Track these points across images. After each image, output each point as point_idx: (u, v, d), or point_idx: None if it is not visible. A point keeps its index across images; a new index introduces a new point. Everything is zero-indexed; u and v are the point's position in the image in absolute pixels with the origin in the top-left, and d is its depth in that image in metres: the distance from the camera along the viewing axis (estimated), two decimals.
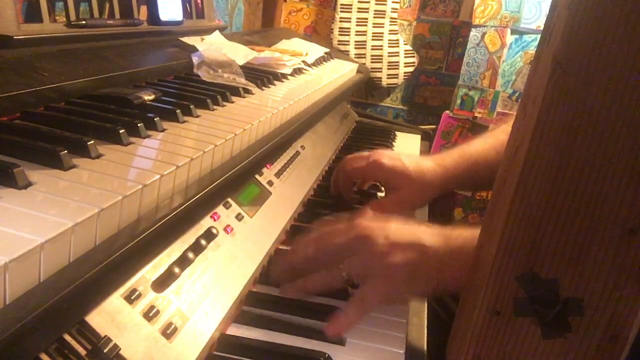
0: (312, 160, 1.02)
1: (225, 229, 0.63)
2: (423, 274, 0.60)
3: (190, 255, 0.55)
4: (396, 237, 0.61)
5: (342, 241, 0.63)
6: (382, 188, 0.98)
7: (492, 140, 0.91)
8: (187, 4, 1.14)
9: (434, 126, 2.34)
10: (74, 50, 0.74)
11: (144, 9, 0.98)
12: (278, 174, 0.84)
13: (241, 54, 1.01)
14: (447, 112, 2.32)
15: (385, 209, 0.85)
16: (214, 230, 0.61)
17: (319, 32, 2.47)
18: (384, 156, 0.88)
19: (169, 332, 0.48)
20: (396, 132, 1.49)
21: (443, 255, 0.60)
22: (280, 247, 0.74)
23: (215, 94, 0.76)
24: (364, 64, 2.24)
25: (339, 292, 0.64)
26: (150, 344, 0.45)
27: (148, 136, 0.57)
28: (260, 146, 0.71)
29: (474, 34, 2.21)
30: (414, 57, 2.41)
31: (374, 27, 2.36)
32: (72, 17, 0.78)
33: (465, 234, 0.61)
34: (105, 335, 0.41)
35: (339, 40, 2.36)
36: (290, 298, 0.62)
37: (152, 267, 0.50)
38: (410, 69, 2.42)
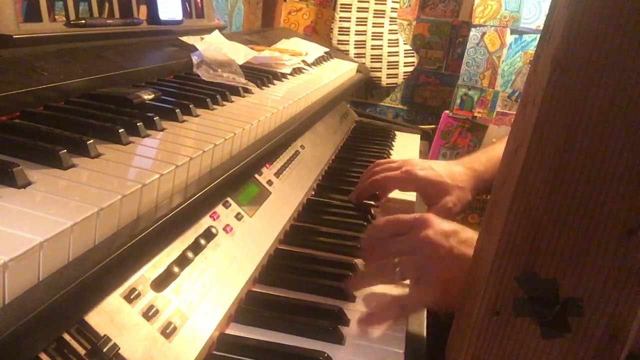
0: (312, 159, 1.02)
1: (224, 229, 0.63)
2: None
3: (190, 254, 0.55)
4: (459, 250, 0.59)
5: (404, 240, 0.62)
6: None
7: None
8: (187, 4, 1.14)
9: (433, 126, 2.34)
10: (74, 49, 0.74)
11: (143, 8, 0.98)
12: (278, 174, 0.84)
13: (241, 54, 1.01)
14: (447, 111, 2.32)
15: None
16: (214, 230, 0.61)
17: (319, 31, 2.47)
18: (416, 166, 0.89)
19: (168, 331, 0.48)
20: (396, 132, 1.49)
21: None
22: (280, 247, 0.74)
23: (215, 94, 0.76)
24: (364, 63, 2.25)
25: (339, 292, 0.64)
26: (149, 343, 0.45)
27: (147, 135, 0.57)
28: (259, 146, 0.71)
29: (473, 33, 2.21)
30: (413, 56, 2.41)
31: (373, 26, 2.36)
32: (72, 16, 0.78)
33: None
34: (105, 335, 0.41)
35: (338, 40, 2.36)
36: (290, 297, 0.62)
37: (152, 267, 0.50)
38: (410, 69, 2.42)
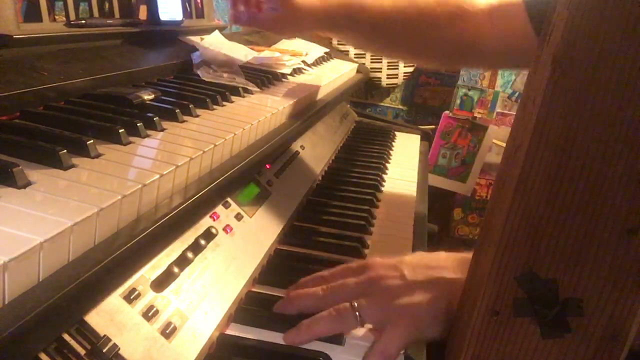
0: (312, 160, 1.02)
1: (224, 229, 0.63)
2: (447, 312, 0.54)
3: (190, 255, 0.55)
4: (414, 276, 0.56)
5: (353, 282, 0.57)
6: (385, 183, 0.98)
7: None
8: (187, 4, 1.14)
9: (433, 126, 2.34)
10: (74, 49, 0.74)
11: (143, 8, 0.98)
12: (278, 174, 0.84)
13: (241, 54, 1.01)
14: (447, 112, 2.32)
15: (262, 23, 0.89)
16: (214, 230, 0.61)
17: None
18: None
19: (168, 331, 0.47)
20: (396, 132, 1.49)
21: None
22: (280, 248, 0.74)
23: (215, 94, 0.76)
24: (364, 63, 2.24)
25: None
26: (149, 343, 0.45)
27: (147, 136, 0.57)
28: (259, 146, 0.71)
29: None
30: None
31: None
32: (72, 16, 0.78)
33: None
34: (105, 335, 0.41)
35: (338, 40, 2.36)
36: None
37: (152, 267, 0.50)
38: (410, 69, 2.42)
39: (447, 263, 0.58)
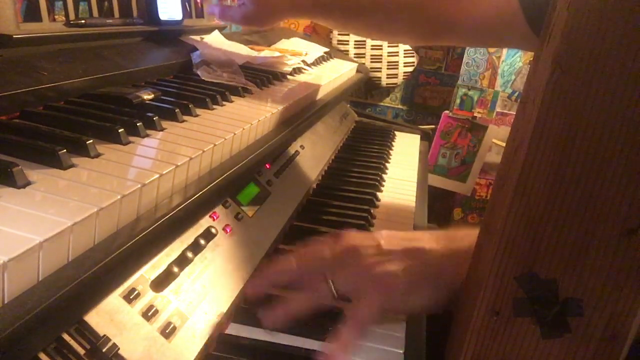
0: (312, 160, 1.02)
1: (224, 229, 0.63)
2: (421, 281, 0.53)
3: (190, 254, 0.55)
4: (390, 245, 0.55)
5: (328, 254, 0.55)
6: (384, 189, 0.98)
7: None
8: (187, 4, 1.13)
9: (433, 126, 2.34)
10: (73, 49, 0.74)
11: (143, 8, 0.98)
12: (277, 174, 0.84)
13: (241, 54, 1.01)
14: (447, 112, 2.32)
15: (234, 17, 0.90)
16: (213, 230, 0.61)
17: (319, 31, 2.47)
18: None
19: (167, 331, 0.47)
20: (395, 132, 1.49)
21: (443, 257, 0.54)
22: (280, 247, 0.74)
23: (215, 94, 0.76)
24: (364, 63, 2.24)
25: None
26: (149, 343, 0.45)
27: (147, 135, 0.57)
28: (259, 146, 0.71)
29: None
30: (413, 57, 2.41)
31: None
32: (72, 16, 0.78)
33: (468, 236, 0.53)
34: (104, 335, 0.41)
35: (338, 40, 2.36)
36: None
37: (151, 267, 0.50)
38: (410, 69, 2.42)
39: (424, 236, 0.57)
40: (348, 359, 0.51)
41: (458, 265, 0.52)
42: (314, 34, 2.45)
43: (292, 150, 0.94)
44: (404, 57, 2.40)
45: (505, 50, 2.20)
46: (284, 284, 0.55)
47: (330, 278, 0.54)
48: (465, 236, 0.54)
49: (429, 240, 0.56)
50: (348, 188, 0.98)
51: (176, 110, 0.65)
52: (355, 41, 2.36)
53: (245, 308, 0.59)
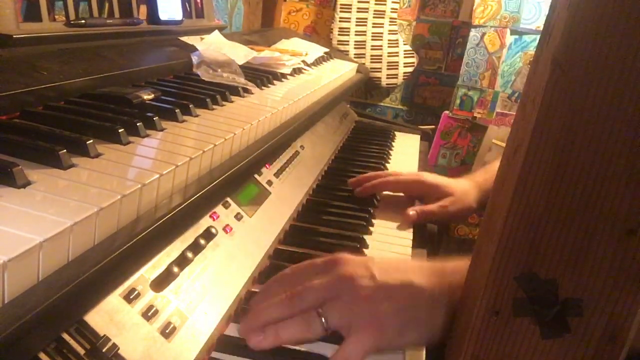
0: (312, 160, 1.02)
1: (224, 229, 0.63)
2: (414, 321, 0.53)
3: (189, 254, 0.55)
4: (383, 278, 0.54)
5: (320, 285, 0.55)
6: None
7: None
8: (187, 4, 1.14)
9: (433, 126, 2.34)
10: (74, 49, 0.74)
11: (143, 8, 0.98)
12: (277, 174, 0.84)
13: (241, 54, 1.01)
14: (447, 112, 2.32)
15: (437, 213, 0.90)
16: (213, 230, 0.61)
17: (319, 32, 2.47)
18: (426, 174, 0.98)
19: (167, 331, 0.47)
20: (395, 132, 1.49)
21: (436, 295, 0.54)
22: (280, 248, 0.74)
23: (215, 94, 0.76)
24: (364, 64, 2.25)
25: None
26: (149, 343, 0.45)
27: (147, 135, 0.57)
28: (259, 146, 0.71)
29: (473, 34, 2.21)
30: (413, 57, 2.41)
31: (373, 27, 2.36)
32: (72, 16, 0.78)
33: (460, 268, 0.53)
34: (104, 335, 0.41)
35: (338, 40, 2.36)
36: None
37: (151, 267, 0.50)
38: (410, 69, 2.42)
39: (417, 269, 0.57)
40: None
41: (449, 303, 0.53)
42: (314, 34, 2.45)
43: (292, 150, 0.94)
44: (404, 57, 2.40)
45: (505, 51, 2.20)
46: (276, 321, 0.54)
47: (322, 314, 0.53)
48: (456, 269, 0.54)
49: (420, 275, 0.55)
50: (348, 188, 0.98)
51: (176, 110, 0.65)
52: (355, 41, 2.36)
53: (245, 308, 0.59)
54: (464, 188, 0.95)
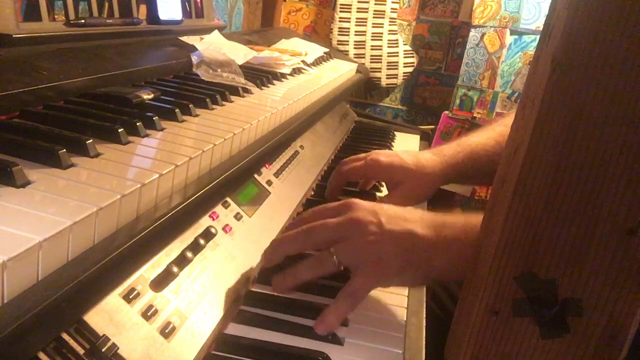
0: (311, 160, 1.02)
1: (224, 229, 0.63)
2: (413, 264, 0.60)
3: (189, 254, 0.55)
4: (389, 225, 0.60)
5: (333, 224, 0.61)
6: (383, 187, 0.98)
7: (491, 132, 0.93)
8: (187, 4, 1.14)
9: (433, 126, 2.34)
10: (73, 49, 0.74)
11: (143, 8, 0.98)
12: (277, 174, 0.84)
13: (240, 54, 1.01)
14: (446, 112, 2.32)
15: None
16: (213, 230, 0.61)
17: (319, 32, 2.47)
18: (380, 154, 0.89)
19: (167, 331, 0.47)
20: (395, 132, 1.49)
21: (434, 245, 0.60)
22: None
23: (215, 94, 0.76)
24: (363, 64, 2.25)
25: (338, 291, 0.64)
26: (148, 343, 0.45)
27: (147, 135, 0.57)
28: (259, 146, 0.71)
29: (473, 34, 2.21)
30: (413, 57, 2.41)
31: (373, 27, 2.36)
32: (72, 16, 0.78)
33: (459, 224, 0.60)
34: (104, 335, 0.41)
35: (338, 40, 2.36)
36: (289, 297, 0.62)
37: (151, 267, 0.50)
38: (410, 69, 2.42)
39: (421, 220, 0.62)
40: (339, 321, 0.57)
41: (445, 251, 0.60)
42: (313, 34, 2.45)
43: (291, 150, 0.94)
44: (404, 57, 2.40)
45: (505, 51, 2.20)
46: (293, 253, 0.63)
47: (335, 252, 0.59)
48: (456, 223, 0.61)
49: (421, 225, 0.61)
50: (348, 188, 0.98)
51: (176, 110, 0.65)
52: (355, 41, 2.36)
53: (245, 309, 0.59)
54: (427, 167, 0.88)
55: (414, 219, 0.62)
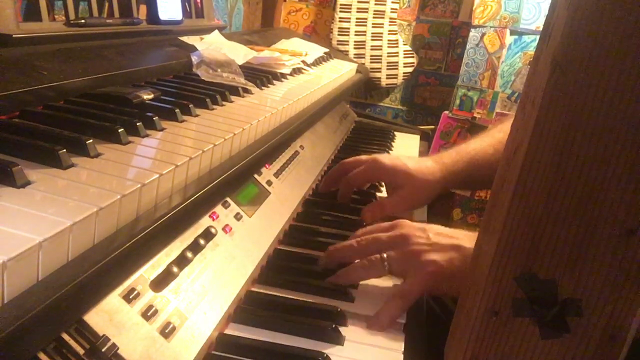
0: (311, 160, 1.02)
1: (224, 229, 0.63)
2: (459, 274, 0.62)
3: (189, 254, 0.55)
4: (437, 239, 0.66)
5: (386, 236, 0.67)
6: (383, 188, 0.99)
7: (490, 139, 0.94)
8: (187, 4, 1.14)
9: (433, 126, 2.34)
10: (73, 49, 0.74)
11: (143, 8, 0.98)
12: (277, 174, 0.84)
13: (240, 54, 1.01)
14: (446, 112, 2.32)
15: (387, 208, 0.87)
16: (213, 230, 0.61)
17: (319, 32, 2.47)
18: (383, 157, 0.92)
19: (167, 331, 0.47)
20: (395, 133, 1.49)
21: None
22: (279, 248, 0.74)
23: (215, 94, 0.76)
24: (363, 64, 2.25)
25: (338, 292, 0.64)
26: (148, 343, 0.45)
27: (147, 135, 0.57)
28: (259, 146, 0.71)
29: (473, 34, 2.21)
30: (413, 57, 2.41)
31: (373, 27, 2.36)
32: (72, 16, 0.78)
33: None
34: (104, 335, 0.41)
35: (338, 40, 2.36)
36: (289, 298, 0.62)
37: (151, 267, 0.50)
38: (410, 69, 2.42)
39: (466, 236, 0.67)
40: (391, 321, 0.61)
41: None
42: (313, 34, 2.45)
43: (291, 150, 0.94)
44: (404, 57, 2.40)
45: (504, 51, 2.20)
46: (347, 260, 0.68)
47: (386, 259, 0.65)
48: None
49: (467, 240, 0.66)
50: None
51: (176, 110, 0.65)
52: (355, 42, 2.36)
53: (245, 308, 0.59)
54: (428, 174, 0.89)
55: (459, 235, 0.68)
